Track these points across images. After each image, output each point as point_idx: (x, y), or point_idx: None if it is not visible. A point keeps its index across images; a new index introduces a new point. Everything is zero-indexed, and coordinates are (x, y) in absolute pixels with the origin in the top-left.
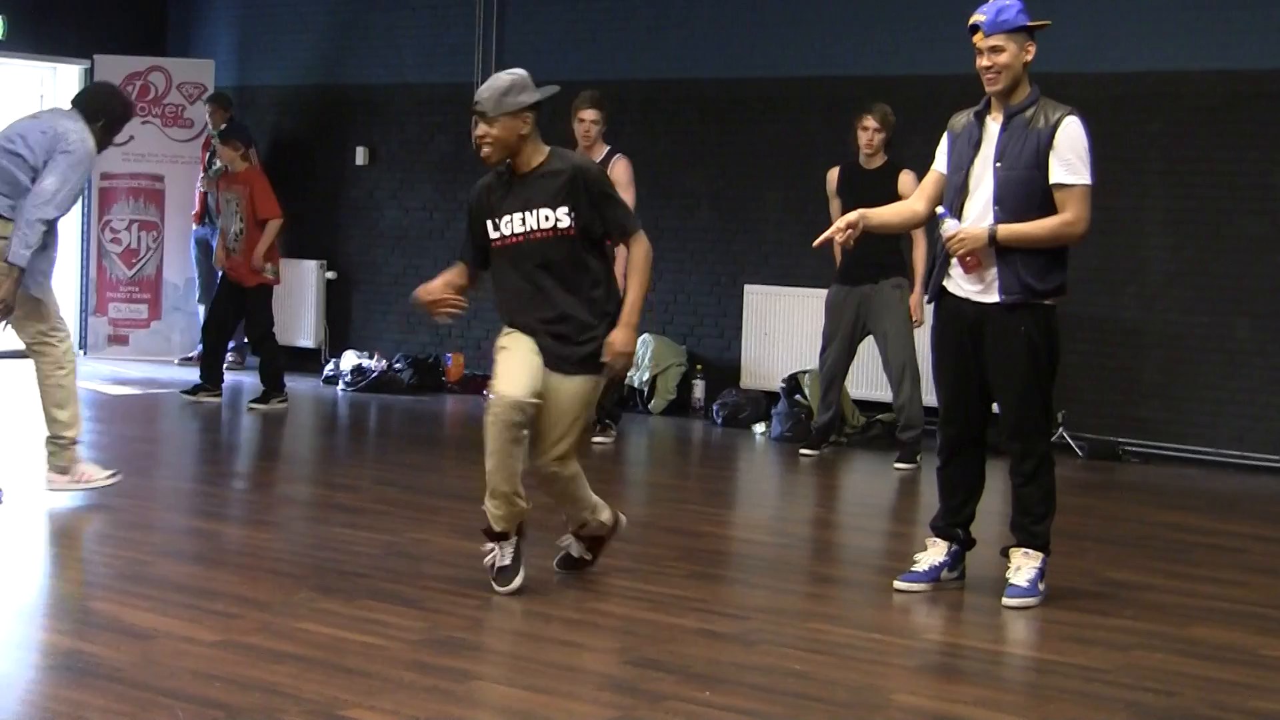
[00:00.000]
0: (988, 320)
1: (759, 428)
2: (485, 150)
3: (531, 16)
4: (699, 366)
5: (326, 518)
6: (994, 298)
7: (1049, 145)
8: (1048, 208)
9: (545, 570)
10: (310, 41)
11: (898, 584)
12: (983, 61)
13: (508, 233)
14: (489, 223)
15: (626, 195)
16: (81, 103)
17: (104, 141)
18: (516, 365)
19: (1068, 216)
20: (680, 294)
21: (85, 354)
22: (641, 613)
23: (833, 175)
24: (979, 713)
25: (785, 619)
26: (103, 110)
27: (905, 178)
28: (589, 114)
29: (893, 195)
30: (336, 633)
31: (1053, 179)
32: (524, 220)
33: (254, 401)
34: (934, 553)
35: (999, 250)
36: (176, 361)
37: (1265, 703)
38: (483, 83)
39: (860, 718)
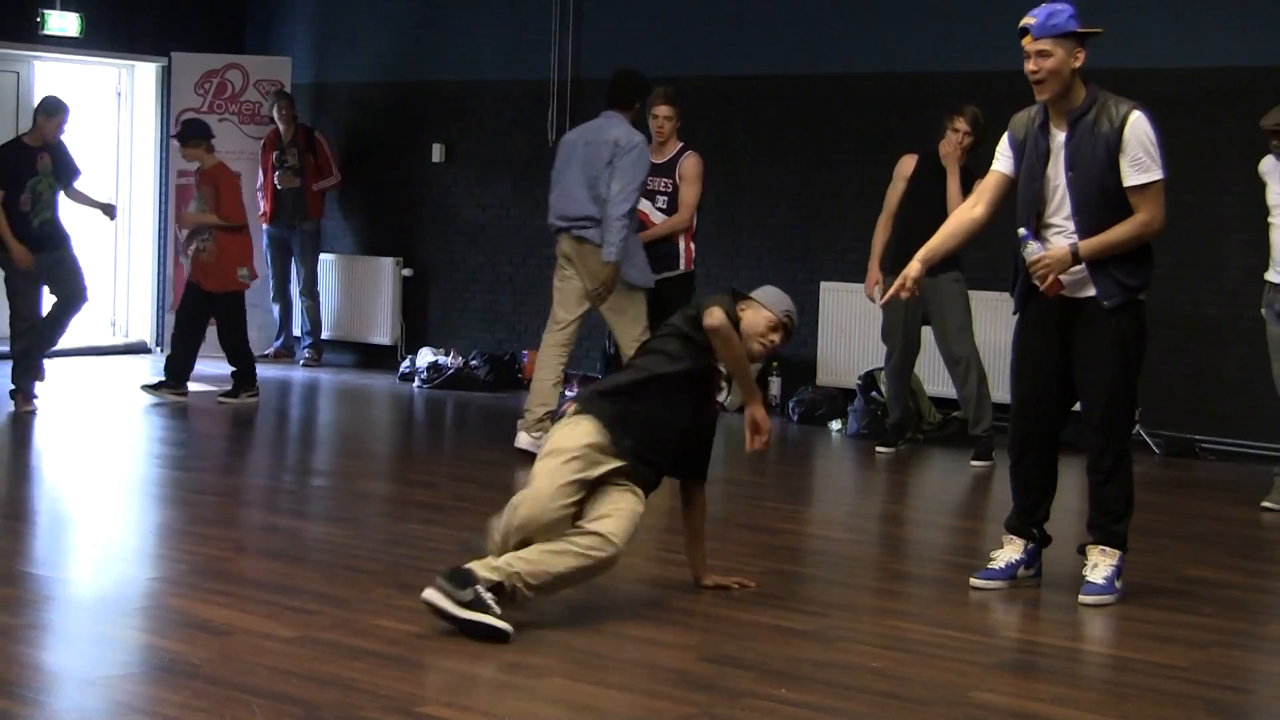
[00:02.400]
0: (1080, 316)
1: (835, 424)
2: None
3: (610, 12)
4: (775, 363)
5: (404, 514)
6: (1086, 293)
7: (1118, 146)
8: (1126, 206)
9: (623, 567)
10: (387, 38)
11: (974, 581)
12: (1029, 65)
13: None
14: None
15: (694, 189)
16: (615, 101)
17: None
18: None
19: (1143, 217)
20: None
21: (162, 351)
22: (719, 609)
23: (908, 162)
24: (1057, 710)
25: (862, 616)
26: (630, 95)
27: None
28: (663, 110)
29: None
30: (414, 629)
31: (1126, 182)
32: None
33: (223, 395)
34: (1010, 550)
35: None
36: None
37: None
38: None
39: (938, 715)
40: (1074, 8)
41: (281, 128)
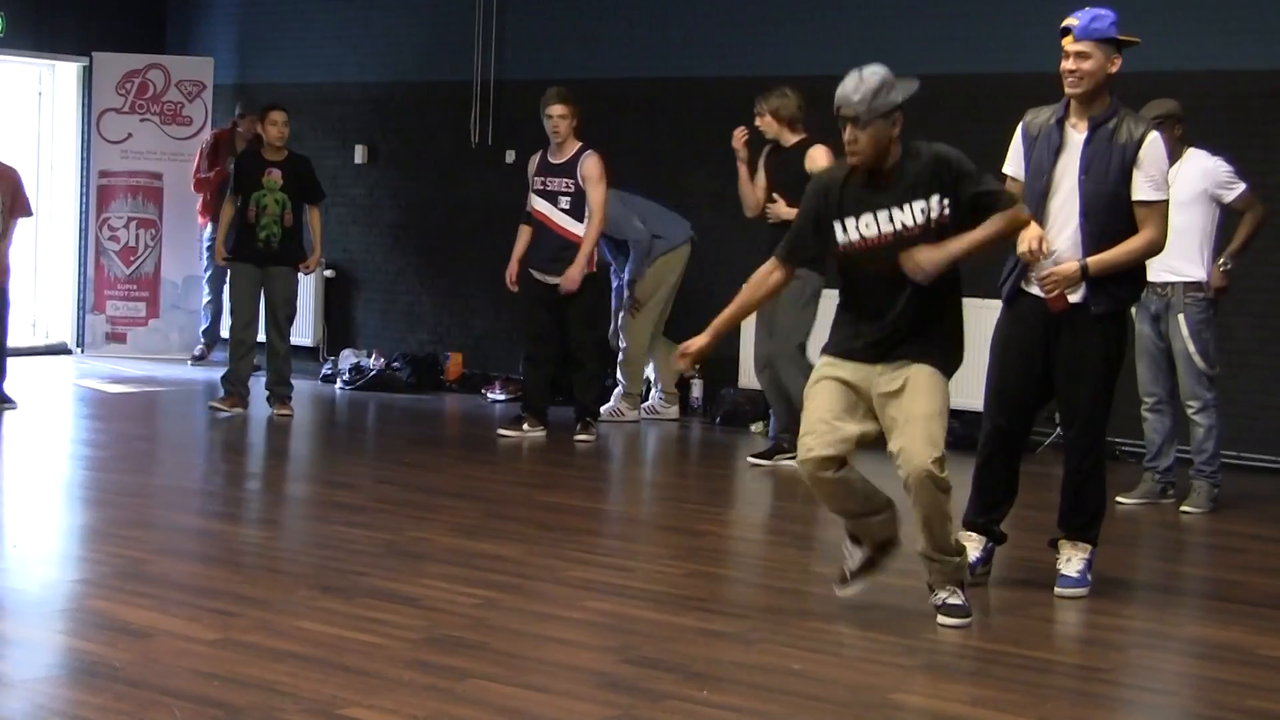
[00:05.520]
0: (1068, 319)
1: (756, 426)
2: (855, 159)
3: (532, 14)
4: (698, 365)
5: (326, 516)
6: (1075, 298)
7: (1134, 160)
8: (1128, 218)
9: (545, 569)
10: (310, 39)
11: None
12: (1068, 64)
13: (867, 235)
14: (835, 225)
15: (601, 189)
16: None
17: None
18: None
19: (1150, 235)
20: (680, 292)
21: (83, 352)
22: (641, 611)
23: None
24: (977, 712)
25: (784, 618)
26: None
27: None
28: (557, 109)
29: (800, 174)
30: (336, 631)
31: (1138, 195)
32: (890, 219)
33: None
34: (971, 548)
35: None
36: (190, 363)
37: (1262, 702)
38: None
39: (858, 717)
40: (1116, 15)
41: (243, 132)
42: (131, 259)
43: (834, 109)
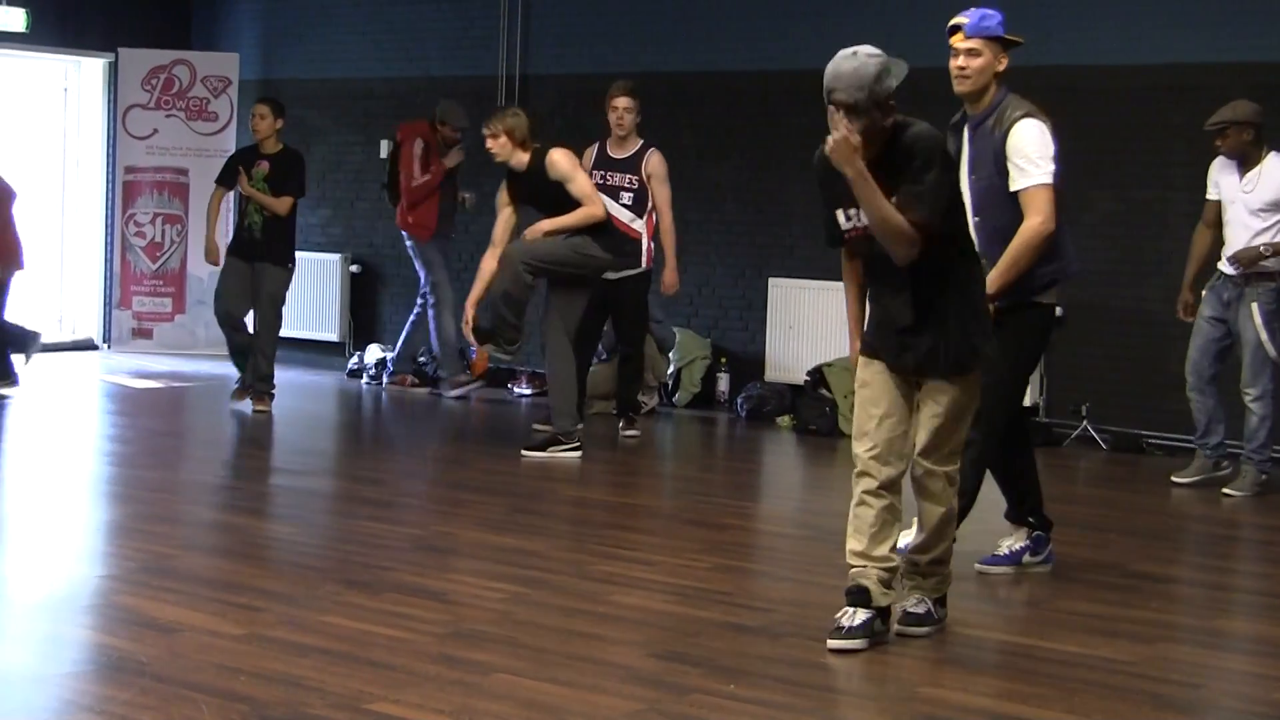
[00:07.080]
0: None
1: (783, 420)
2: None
3: (556, 9)
4: (723, 359)
5: (351, 511)
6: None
7: (1003, 151)
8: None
9: (571, 564)
10: (335, 34)
11: (977, 566)
12: (957, 61)
13: (861, 225)
14: (839, 213)
15: (665, 189)
16: None
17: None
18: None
19: (1028, 223)
20: (705, 287)
21: (109, 347)
22: (667, 606)
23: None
24: (1004, 705)
25: (811, 611)
26: None
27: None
28: (622, 101)
29: (551, 184)
30: (362, 626)
31: (1011, 186)
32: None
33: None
34: (1015, 538)
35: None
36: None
37: None
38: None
39: (885, 710)
40: (1003, 15)
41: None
42: (157, 254)
43: (825, 92)
